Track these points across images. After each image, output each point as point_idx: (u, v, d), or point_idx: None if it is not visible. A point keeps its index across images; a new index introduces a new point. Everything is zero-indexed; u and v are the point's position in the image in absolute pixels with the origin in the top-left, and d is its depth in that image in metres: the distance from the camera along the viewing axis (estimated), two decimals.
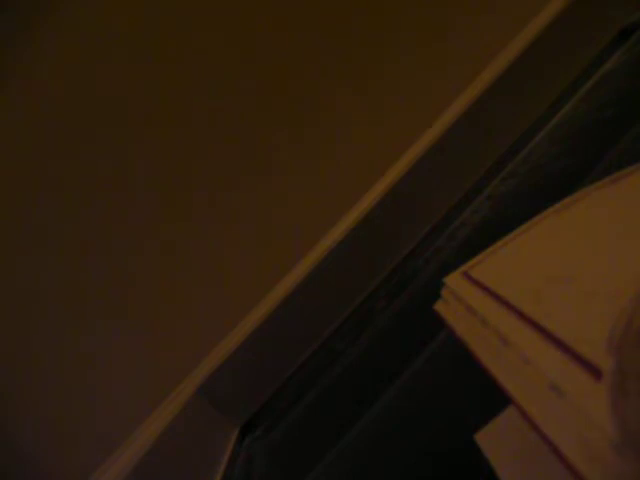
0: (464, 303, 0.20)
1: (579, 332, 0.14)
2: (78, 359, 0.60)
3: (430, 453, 0.27)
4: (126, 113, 0.62)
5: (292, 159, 0.65)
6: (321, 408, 0.48)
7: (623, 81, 0.51)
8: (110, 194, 0.62)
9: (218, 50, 0.63)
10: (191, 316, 0.63)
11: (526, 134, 0.63)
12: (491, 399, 0.21)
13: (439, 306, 0.23)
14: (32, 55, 0.60)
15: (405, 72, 0.65)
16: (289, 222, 0.65)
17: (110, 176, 0.62)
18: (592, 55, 0.64)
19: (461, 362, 0.31)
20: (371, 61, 0.65)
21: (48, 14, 0.60)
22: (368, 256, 0.64)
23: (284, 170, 0.65)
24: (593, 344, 0.13)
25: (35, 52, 0.60)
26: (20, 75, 0.60)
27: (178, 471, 0.51)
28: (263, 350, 0.62)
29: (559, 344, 0.14)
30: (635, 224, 0.16)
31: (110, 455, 0.58)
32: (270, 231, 0.65)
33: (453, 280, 0.23)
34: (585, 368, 0.12)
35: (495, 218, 0.49)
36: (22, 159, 0.61)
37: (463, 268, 0.23)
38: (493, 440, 0.22)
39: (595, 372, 0.12)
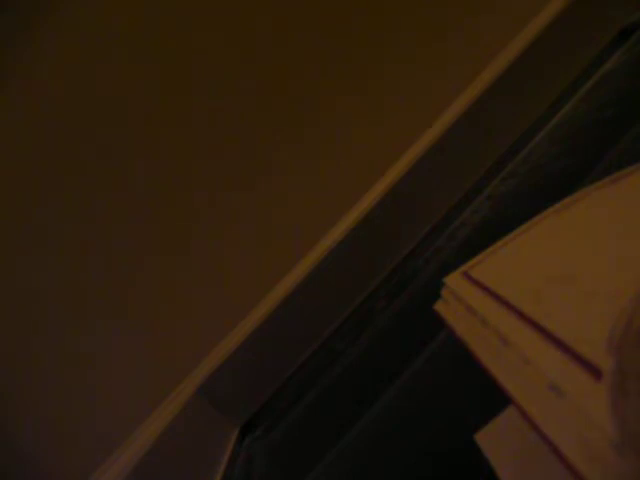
0: (464, 303, 0.20)
1: (579, 332, 0.14)
2: (78, 359, 0.60)
3: (430, 453, 0.27)
4: (126, 113, 0.62)
5: (292, 159, 0.65)
6: (321, 408, 0.48)
7: (623, 81, 0.51)
8: (110, 194, 0.62)
9: (218, 50, 0.63)
10: (191, 316, 0.63)
11: (526, 134, 0.63)
12: (491, 399, 0.21)
13: (439, 306, 0.23)
14: (32, 55, 0.60)
15: (405, 72, 0.65)
16: (289, 222, 0.65)
17: (110, 176, 0.62)
18: (592, 55, 0.64)
19: (461, 362, 0.31)
20: (371, 61, 0.65)
21: (48, 14, 0.60)
22: (368, 256, 0.64)
23: (284, 170, 0.65)
24: (593, 344, 0.13)
25: (35, 52, 0.60)
26: (20, 75, 0.60)
27: (178, 471, 0.51)
28: (263, 350, 0.62)
29: (559, 344, 0.14)
30: (635, 224, 0.16)
31: (110, 455, 0.58)
32: (270, 231, 0.65)
33: (453, 280, 0.23)
34: (585, 368, 0.12)
35: (495, 218, 0.49)
36: (22, 159, 0.61)
37: (463, 268, 0.23)
38: (493, 440, 0.22)
39: (595, 372, 0.12)
